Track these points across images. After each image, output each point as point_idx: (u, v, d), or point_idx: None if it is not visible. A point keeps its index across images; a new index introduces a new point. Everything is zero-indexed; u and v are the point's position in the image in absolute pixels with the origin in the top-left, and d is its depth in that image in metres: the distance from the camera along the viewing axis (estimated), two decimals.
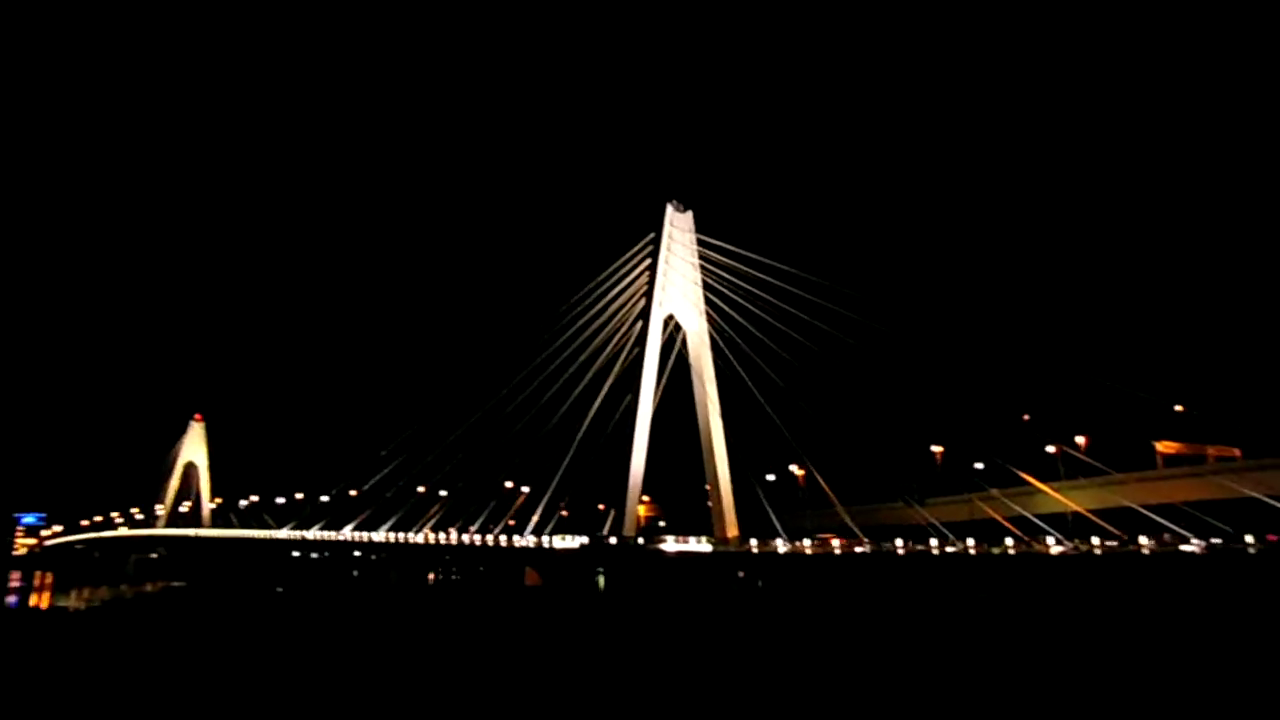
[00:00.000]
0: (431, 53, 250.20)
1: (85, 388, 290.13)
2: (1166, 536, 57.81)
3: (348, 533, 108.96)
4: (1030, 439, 76.06)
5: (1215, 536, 56.61)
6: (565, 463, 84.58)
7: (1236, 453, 73.79)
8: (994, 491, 74.85)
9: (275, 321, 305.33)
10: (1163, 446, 75.43)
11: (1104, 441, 74.71)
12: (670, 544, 79.82)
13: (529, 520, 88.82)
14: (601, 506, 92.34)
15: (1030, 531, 64.91)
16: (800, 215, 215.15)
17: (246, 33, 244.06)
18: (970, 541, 63.47)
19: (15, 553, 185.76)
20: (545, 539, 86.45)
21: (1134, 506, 61.85)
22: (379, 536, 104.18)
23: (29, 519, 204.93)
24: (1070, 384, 70.96)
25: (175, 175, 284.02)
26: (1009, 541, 62.42)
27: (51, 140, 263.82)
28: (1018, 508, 68.28)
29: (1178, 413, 71.48)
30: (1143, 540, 57.44)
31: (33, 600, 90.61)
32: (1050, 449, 70.18)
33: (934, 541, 64.84)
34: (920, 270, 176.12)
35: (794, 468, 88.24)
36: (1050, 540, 61.04)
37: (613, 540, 79.94)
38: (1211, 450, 75.57)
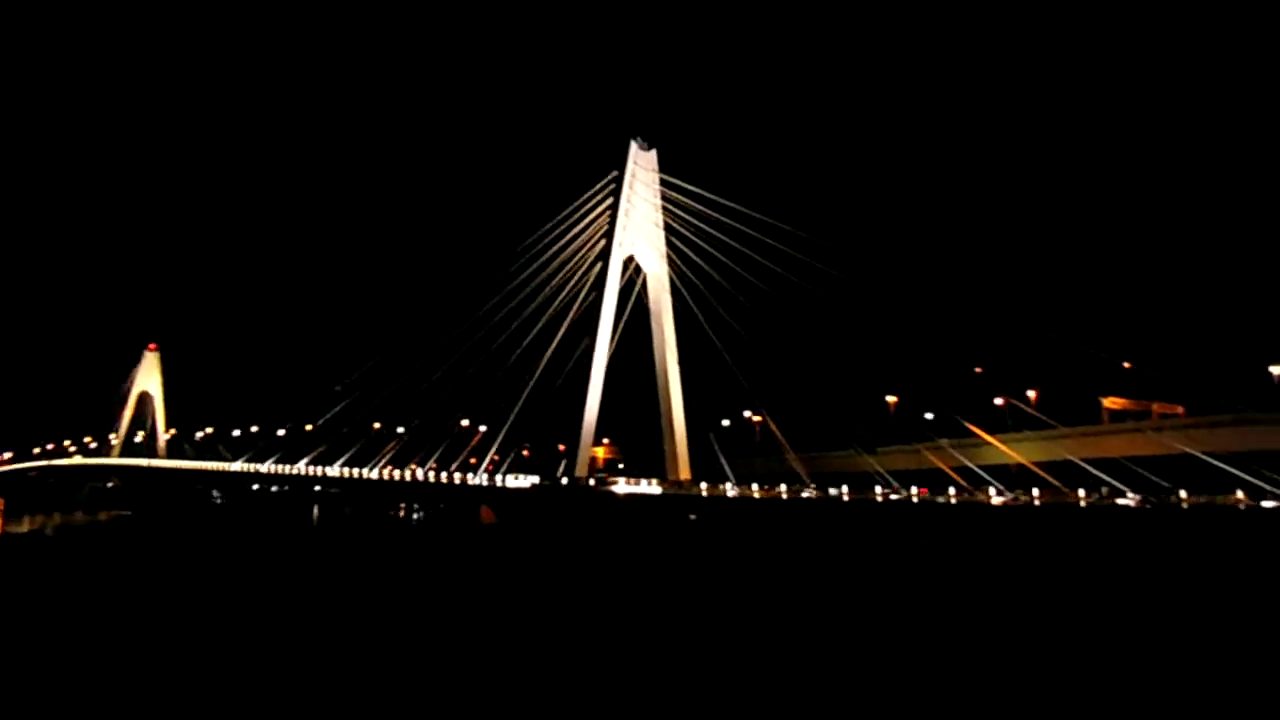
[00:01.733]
0: None
1: (40, 316, 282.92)
2: (1105, 490, 58.72)
3: (302, 467, 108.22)
4: (981, 391, 77.06)
5: (1155, 491, 57.62)
6: (520, 402, 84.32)
7: (1180, 410, 74.93)
8: (942, 442, 75.61)
9: (233, 252, 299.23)
10: (1109, 402, 76.45)
11: (1054, 396, 75.78)
12: (621, 485, 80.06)
13: (485, 459, 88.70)
14: (562, 447, 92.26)
15: (975, 482, 65.70)
16: (766, 158, 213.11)
17: None
18: (914, 489, 64.09)
19: None
20: (499, 478, 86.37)
21: (1076, 460, 62.74)
22: (333, 471, 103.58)
23: None
24: (1023, 339, 71.49)
25: (134, 110, 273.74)
26: (952, 491, 63.13)
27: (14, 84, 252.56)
28: (963, 458, 68.96)
29: (1126, 370, 72.23)
30: (1080, 492, 58.28)
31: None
32: (998, 401, 70.84)
33: (878, 489, 65.41)
34: (882, 220, 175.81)
35: (749, 413, 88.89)
36: (992, 491, 61.81)
37: (564, 481, 79.98)
38: (1156, 407, 76.76)
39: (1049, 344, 69.50)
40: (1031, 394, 75.11)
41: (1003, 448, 69.43)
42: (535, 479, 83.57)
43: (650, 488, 78.49)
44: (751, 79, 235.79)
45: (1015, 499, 60.41)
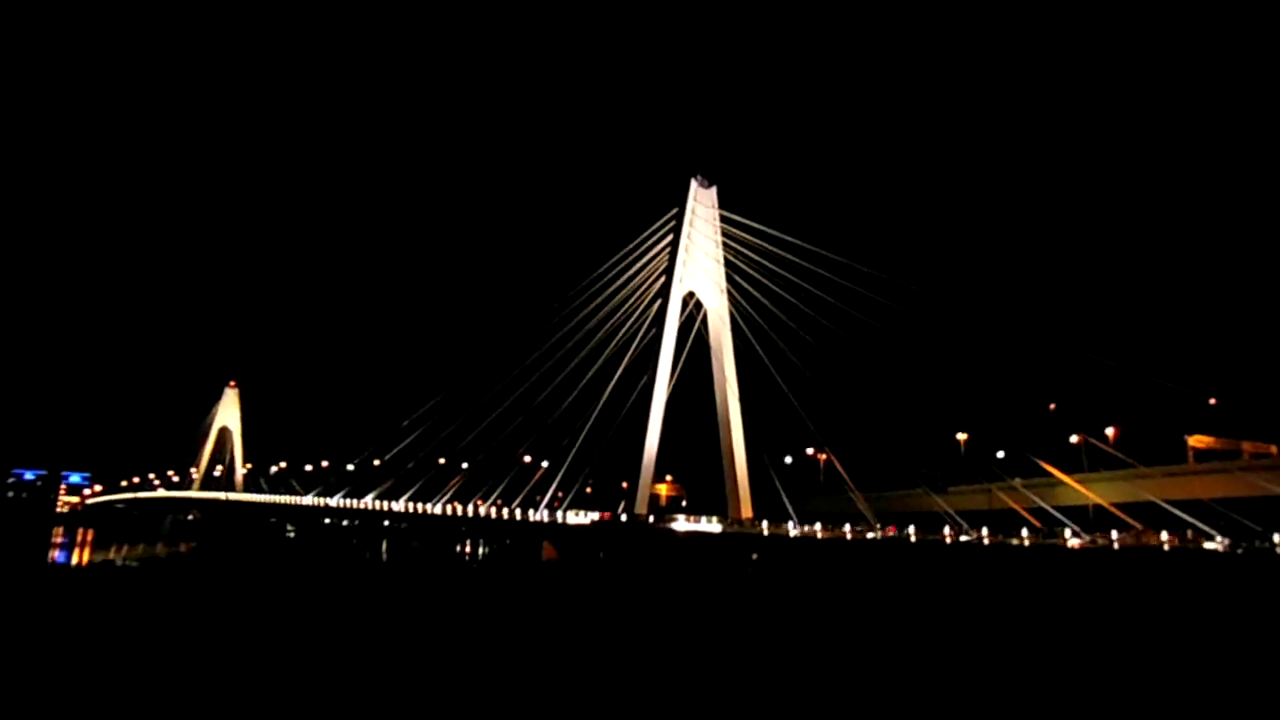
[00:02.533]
0: (462, 27, 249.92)
1: (129, 354, 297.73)
2: (1190, 533, 55.58)
3: (369, 501, 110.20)
4: (1056, 429, 74.11)
5: (1244, 535, 54.33)
6: (580, 439, 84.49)
7: (1273, 449, 70.77)
8: (1015, 481, 73.01)
9: (310, 293, 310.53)
10: (1195, 441, 72.63)
11: (1133, 434, 72.29)
12: (681, 523, 79.20)
13: (547, 495, 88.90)
14: (625, 484, 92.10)
15: (1050, 524, 63.02)
16: (827, 194, 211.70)
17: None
18: (984, 531, 61.72)
19: (59, 510, 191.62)
20: (560, 514, 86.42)
21: (1159, 501, 59.66)
22: (399, 506, 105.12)
23: (75, 478, 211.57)
24: (1101, 374, 68.70)
25: (217, 154, 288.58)
26: (1024, 532, 60.54)
27: (103, 120, 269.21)
28: (1037, 499, 66.29)
29: (1212, 406, 68.81)
30: (1163, 535, 55.23)
31: (74, 556, 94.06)
32: (1074, 439, 67.99)
33: (947, 530, 63.19)
34: (949, 253, 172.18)
35: (812, 451, 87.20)
36: (1068, 532, 59.07)
37: (624, 518, 79.53)
38: (1247, 446, 72.55)
39: (1129, 379, 66.52)
40: (1110, 432, 71.76)
41: (1079, 488, 66.49)
42: (595, 515, 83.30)
43: (710, 526, 77.46)
44: (812, 115, 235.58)
45: (1093, 541, 57.57)
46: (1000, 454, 74.88)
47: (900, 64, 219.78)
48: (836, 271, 76.36)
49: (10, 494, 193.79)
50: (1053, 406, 75.51)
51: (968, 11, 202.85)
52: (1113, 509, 63.10)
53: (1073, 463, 70.12)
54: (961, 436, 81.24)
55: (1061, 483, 68.22)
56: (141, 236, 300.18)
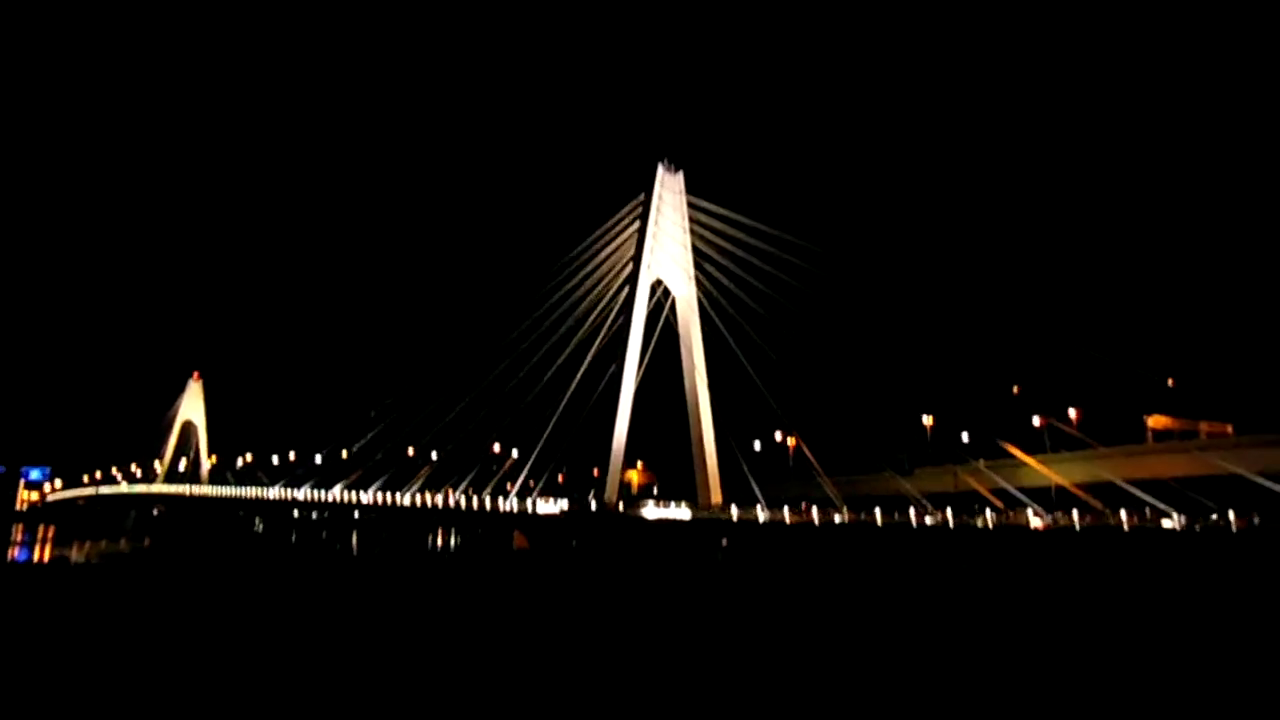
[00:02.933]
0: (426, 10, 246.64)
1: (89, 346, 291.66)
2: (1149, 512, 56.64)
3: (337, 492, 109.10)
4: (1019, 411, 75.10)
5: (1202, 513, 55.46)
6: (549, 428, 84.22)
7: (1229, 429, 72.30)
8: (980, 463, 74.03)
9: (273, 282, 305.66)
10: (1153, 421, 74.05)
11: (1095, 415, 73.53)
12: (650, 510, 79.31)
13: (516, 484, 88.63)
14: (596, 472, 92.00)
15: (1013, 505, 63.89)
16: (793, 178, 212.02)
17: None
18: (948, 513, 62.43)
19: (18, 507, 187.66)
20: (530, 503, 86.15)
21: (1118, 482, 60.73)
22: (367, 497, 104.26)
23: (35, 473, 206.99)
24: (1063, 356, 69.70)
25: (174, 140, 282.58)
26: (988, 514, 61.34)
27: (57, 109, 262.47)
28: (1001, 480, 67.25)
29: (1170, 387, 70.06)
30: (1123, 515, 56.21)
31: (35, 554, 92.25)
32: (1036, 421, 68.96)
33: (912, 512, 63.84)
34: (914, 236, 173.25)
35: (780, 436, 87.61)
36: (1030, 513, 59.93)
37: (593, 505, 79.44)
38: (1204, 426, 74.14)
39: (1089, 361, 67.54)
40: (1072, 413, 72.87)
41: (1041, 468, 67.56)
42: (564, 504, 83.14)
43: (680, 512, 77.61)
44: (776, 98, 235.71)
45: (1055, 522, 58.47)
46: (965, 437, 75.84)
47: (867, 45, 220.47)
48: (803, 257, 76.61)
49: None
50: (1016, 389, 76.51)
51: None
52: (1074, 489, 64.24)
53: (1036, 444, 71.18)
54: (928, 420, 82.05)
55: (1024, 464, 69.23)
56: (102, 224, 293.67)
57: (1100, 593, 49.57)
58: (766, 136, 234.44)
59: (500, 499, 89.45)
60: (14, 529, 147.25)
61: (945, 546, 60.95)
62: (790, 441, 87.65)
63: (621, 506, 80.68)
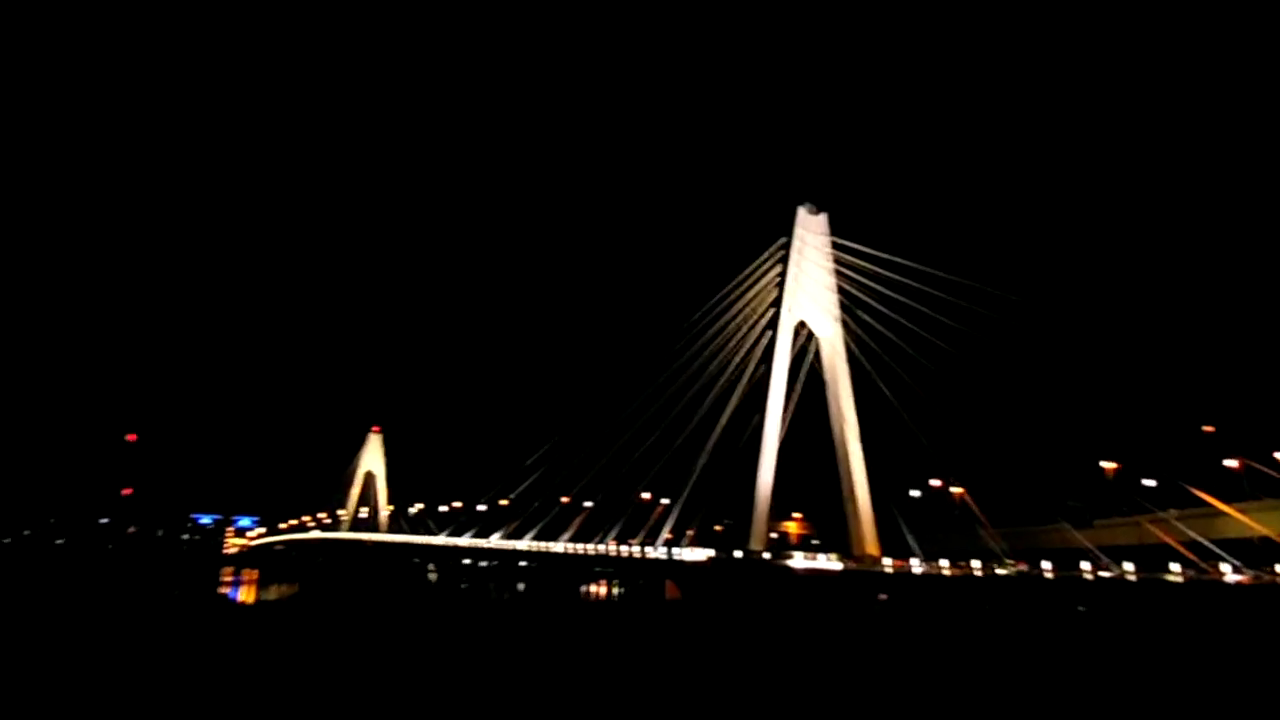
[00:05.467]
0: (567, 57, 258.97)
1: (292, 405, 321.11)
2: None
3: (495, 540, 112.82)
4: (1213, 454, 67.10)
5: None
6: (694, 476, 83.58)
7: None
8: (1170, 513, 66.57)
9: (444, 341, 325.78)
10: None
11: None
12: (798, 560, 76.57)
13: (672, 532, 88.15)
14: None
15: (1208, 559, 56.82)
16: (945, 213, 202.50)
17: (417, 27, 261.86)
18: (1129, 566, 56.23)
19: (226, 551, 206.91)
20: (677, 551, 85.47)
21: None
22: (522, 545, 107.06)
23: (244, 521, 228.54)
24: (1262, 391, 62.18)
25: (351, 216, 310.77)
26: (1175, 567, 54.73)
27: (252, 202, 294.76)
28: (1193, 532, 59.99)
29: None
30: None
31: (241, 594, 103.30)
32: (1231, 464, 61.23)
33: (1086, 565, 58.03)
34: (1086, 265, 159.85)
35: (938, 483, 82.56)
36: (1226, 567, 52.95)
37: (738, 554, 77.69)
38: None
39: None
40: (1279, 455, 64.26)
41: (1242, 518, 59.73)
42: (710, 552, 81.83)
43: (829, 563, 74.46)
44: (924, 133, 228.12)
45: (1256, 577, 51.31)
46: (1150, 483, 68.48)
47: (1011, 79, 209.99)
48: (959, 295, 72.91)
49: (186, 536, 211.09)
50: (1209, 429, 68.50)
51: (1083, 30, 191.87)
52: None
53: (1233, 490, 63.17)
54: (1108, 465, 74.84)
55: (1221, 513, 61.47)
56: (299, 304, 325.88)
57: None
58: (914, 171, 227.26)
59: (648, 547, 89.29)
60: (222, 571, 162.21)
61: (1125, 603, 54.85)
62: (958, 491, 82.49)
63: (768, 555, 78.35)
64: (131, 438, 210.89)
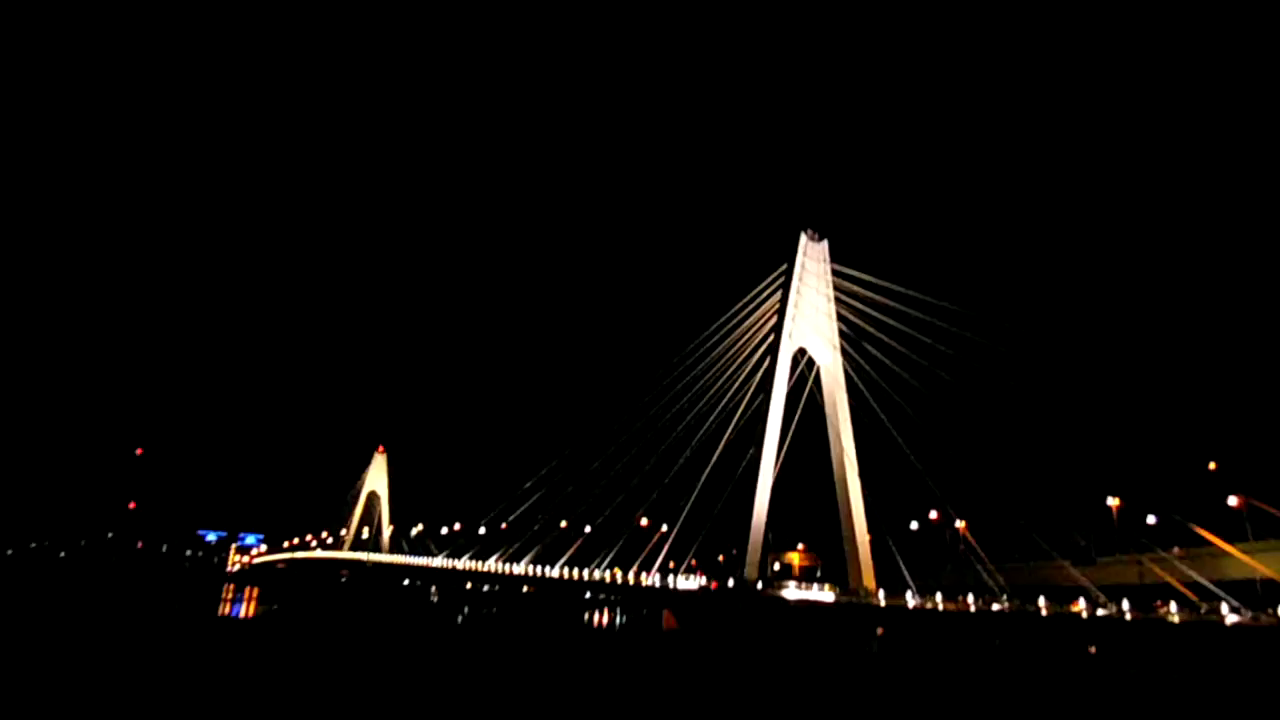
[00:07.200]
0: (573, 84, 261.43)
1: (297, 425, 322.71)
2: None
3: (492, 563, 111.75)
4: (1215, 491, 65.62)
5: None
6: (690, 503, 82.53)
7: None
8: (1173, 551, 65.00)
9: (451, 361, 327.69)
10: None
11: None
12: (791, 591, 75.23)
13: (674, 559, 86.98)
14: (736, 551, 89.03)
15: (1209, 599, 55.28)
16: (948, 242, 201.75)
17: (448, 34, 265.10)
18: (1125, 605, 54.76)
19: (229, 568, 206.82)
20: (671, 579, 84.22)
21: None
22: (519, 569, 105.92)
23: (250, 539, 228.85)
24: (1268, 428, 60.82)
25: (363, 242, 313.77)
26: (1173, 607, 53.23)
27: (267, 209, 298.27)
28: (1193, 572, 58.43)
29: None
30: None
31: (241, 610, 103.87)
32: (1233, 502, 59.75)
33: (1082, 602, 56.58)
34: (1091, 298, 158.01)
35: (936, 516, 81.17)
36: (1225, 608, 51.42)
37: (730, 583, 76.43)
38: None
39: None
40: None
41: (1245, 558, 58.11)
42: (703, 581, 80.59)
43: (822, 594, 73.10)
44: (927, 162, 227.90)
45: (1255, 618, 49.77)
46: (1151, 519, 67.01)
47: (1013, 107, 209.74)
48: (962, 325, 72.16)
49: (190, 553, 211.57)
50: (1213, 466, 67.09)
51: (1090, 51, 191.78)
52: None
53: (1235, 527, 61.63)
54: (1113, 502, 73.34)
55: (1224, 553, 59.88)
56: (310, 323, 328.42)
57: None
58: (917, 200, 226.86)
59: (644, 574, 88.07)
60: (225, 588, 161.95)
61: (1119, 642, 53.35)
62: (960, 525, 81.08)
63: (761, 585, 77.00)
64: (140, 452, 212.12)
